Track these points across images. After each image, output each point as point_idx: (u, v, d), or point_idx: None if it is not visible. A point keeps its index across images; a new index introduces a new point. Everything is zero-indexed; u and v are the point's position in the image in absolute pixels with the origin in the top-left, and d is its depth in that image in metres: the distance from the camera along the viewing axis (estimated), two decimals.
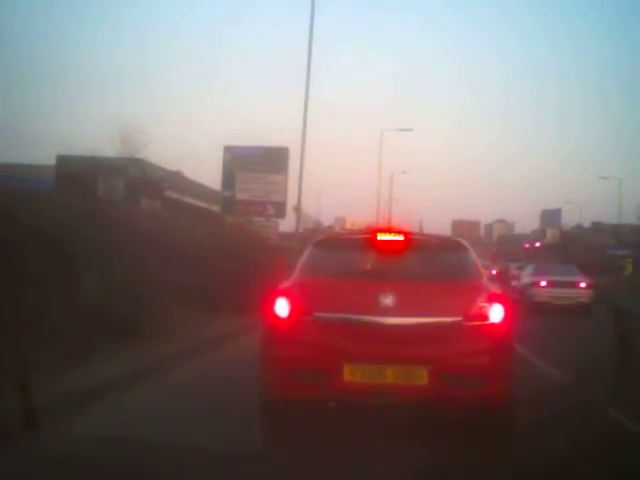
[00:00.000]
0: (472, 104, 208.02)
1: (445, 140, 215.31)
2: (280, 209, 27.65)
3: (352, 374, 5.35)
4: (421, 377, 5.36)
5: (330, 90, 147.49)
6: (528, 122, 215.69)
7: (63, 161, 30.76)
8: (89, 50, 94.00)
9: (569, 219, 76.89)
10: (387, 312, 5.45)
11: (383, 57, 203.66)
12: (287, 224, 30.46)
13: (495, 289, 5.93)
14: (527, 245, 69.77)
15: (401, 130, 46.28)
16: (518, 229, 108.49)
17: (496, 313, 5.57)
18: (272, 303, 5.68)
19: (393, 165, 53.53)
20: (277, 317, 5.65)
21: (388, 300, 5.48)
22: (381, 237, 6.24)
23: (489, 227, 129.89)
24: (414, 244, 6.28)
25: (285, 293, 5.72)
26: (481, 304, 5.58)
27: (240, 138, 30.04)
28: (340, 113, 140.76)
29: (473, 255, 6.35)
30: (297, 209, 24.32)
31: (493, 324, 5.55)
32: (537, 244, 70.45)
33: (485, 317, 5.55)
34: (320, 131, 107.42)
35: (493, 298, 5.66)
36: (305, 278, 5.97)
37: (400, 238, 6.22)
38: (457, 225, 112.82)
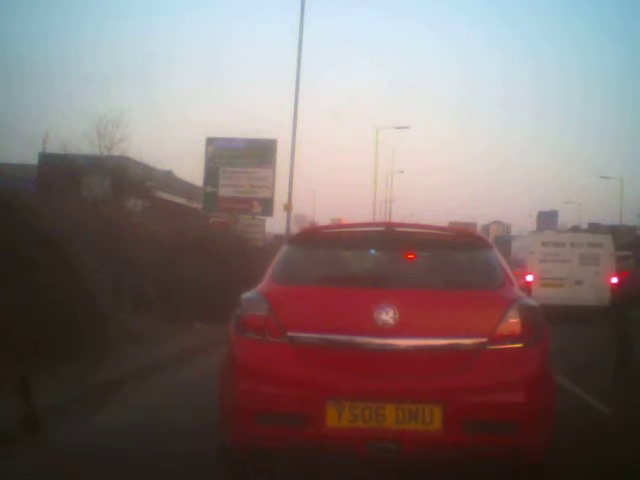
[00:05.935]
0: (470, 104, 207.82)
1: (442, 141, 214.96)
2: (267, 206, 25.83)
3: (338, 416, 4.05)
4: (432, 420, 4.01)
5: (328, 91, 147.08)
6: (527, 123, 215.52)
7: (46, 160, 29.72)
8: (70, 44, 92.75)
9: (568, 220, 76.77)
10: (386, 332, 4.16)
11: (379, 58, 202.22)
12: (281, 224, 28.95)
13: (528, 300, 4.49)
14: None
15: (397, 128, 45.53)
16: (515, 231, 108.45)
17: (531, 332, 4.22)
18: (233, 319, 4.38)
19: (390, 166, 52.16)
20: (239, 338, 4.30)
21: (387, 316, 4.17)
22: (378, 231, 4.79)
23: (486, 228, 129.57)
24: (421, 241, 4.86)
25: None
26: (512, 320, 4.21)
27: (231, 134, 28.68)
28: (337, 113, 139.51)
29: (498, 255, 4.88)
30: (287, 207, 22.79)
31: (527, 347, 4.19)
32: None
33: (517, 338, 4.18)
34: (317, 132, 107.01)
35: (527, 313, 4.27)
36: (277, 286, 4.57)
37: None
38: (453, 226, 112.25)
